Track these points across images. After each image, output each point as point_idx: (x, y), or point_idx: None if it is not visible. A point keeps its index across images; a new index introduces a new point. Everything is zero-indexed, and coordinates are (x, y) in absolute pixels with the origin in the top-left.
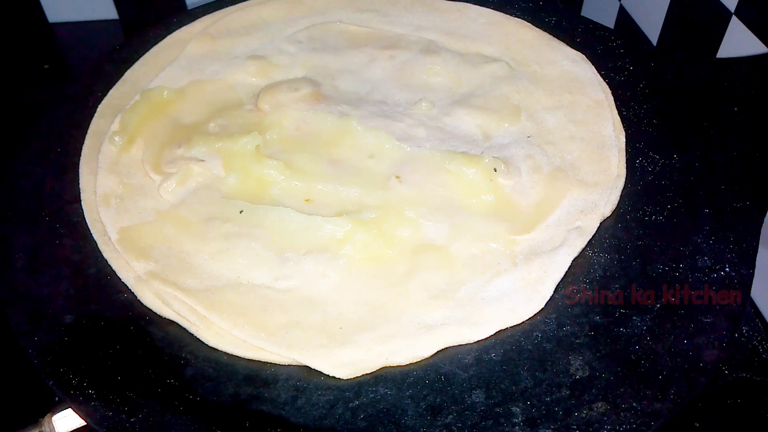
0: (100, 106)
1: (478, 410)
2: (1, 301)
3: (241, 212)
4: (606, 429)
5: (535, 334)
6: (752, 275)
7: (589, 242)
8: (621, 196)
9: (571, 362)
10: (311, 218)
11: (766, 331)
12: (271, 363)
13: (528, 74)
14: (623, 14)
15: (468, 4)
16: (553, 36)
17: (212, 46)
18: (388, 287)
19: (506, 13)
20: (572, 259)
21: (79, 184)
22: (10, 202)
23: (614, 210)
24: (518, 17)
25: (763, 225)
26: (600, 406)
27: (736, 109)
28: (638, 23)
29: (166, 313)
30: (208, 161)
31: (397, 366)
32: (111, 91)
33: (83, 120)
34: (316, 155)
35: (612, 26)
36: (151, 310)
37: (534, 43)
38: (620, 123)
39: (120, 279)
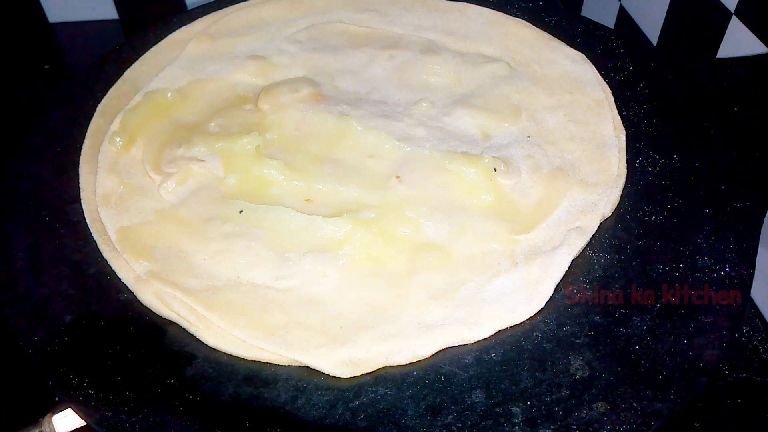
0: (100, 105)
1: (478, 410)
2: (1, 301)
3: (241, 212)
4: (606, 429)
5: (535, 334)
6: (752, 275)
7: (589, 242)
8: (621, 196)
9: (571, 362)
10: (311, 218)
11: (766, 331)
12: (271, 363)
13: (528, 74)
14: (623, 14)
15: (468, 4)
16: (553, 36)
17: (212, 46)
18: (388, 287)
19: (506, 13)
20: (572, 259)
21: (79, 184)
22: (10, 202)
23: (614, 210)
24: (518, 17)
25: (763, 225)
26: (600, 406)
27: (736, 109)
28: (638, 23)
29: (166, 313)
30: (208, 161)
31: (397, 366)
32: (111, 91)
33: (83, 120)
34: (316, 155)
35: (612, 26)
36: (151, 310)
37: (534, 43)
38: (620, 123)
39: (120, 279)
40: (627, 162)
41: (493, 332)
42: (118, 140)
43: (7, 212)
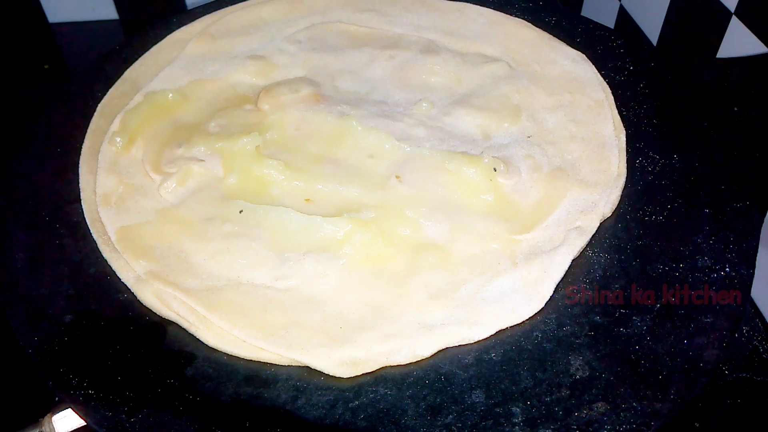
0: (99, 105)
1: (478, 410)
2: (1, 301)
3: (241, 212)
4: (606, 429)
5: (535, 334)
6: (752, 275)
7: (589, 242)
8: (621, 196)
9: (571, 362)
10: (311, 218)
11: (766, 331)
12: (271, 363)
13: (528, 74)
14: (623, 14)
15: (468, 4)
16: (553, 36)
17: (212, 46)
18: (388, 287)
19: (506, 13)
20: (572, 259)
21: (79, 184)
22: (10, 202)
23: (614, 210)
24: (518, 17)
25: (763, 225)
26: (600, 406)
27: (736, 109)
28: (638, 23)
29: (165, 313)
30: (208, 161)
31: (397, 366)
32: (111, 91)
33: (83, 120)
34: (316, 155)
35: (612, 26)
36: (151, 310)
37: (534, 43)
38: (620, 123)
39: (120, 279)
40: (627, 162)
41: (493, 332)
42: (118, 140)
43: (7, 212)
